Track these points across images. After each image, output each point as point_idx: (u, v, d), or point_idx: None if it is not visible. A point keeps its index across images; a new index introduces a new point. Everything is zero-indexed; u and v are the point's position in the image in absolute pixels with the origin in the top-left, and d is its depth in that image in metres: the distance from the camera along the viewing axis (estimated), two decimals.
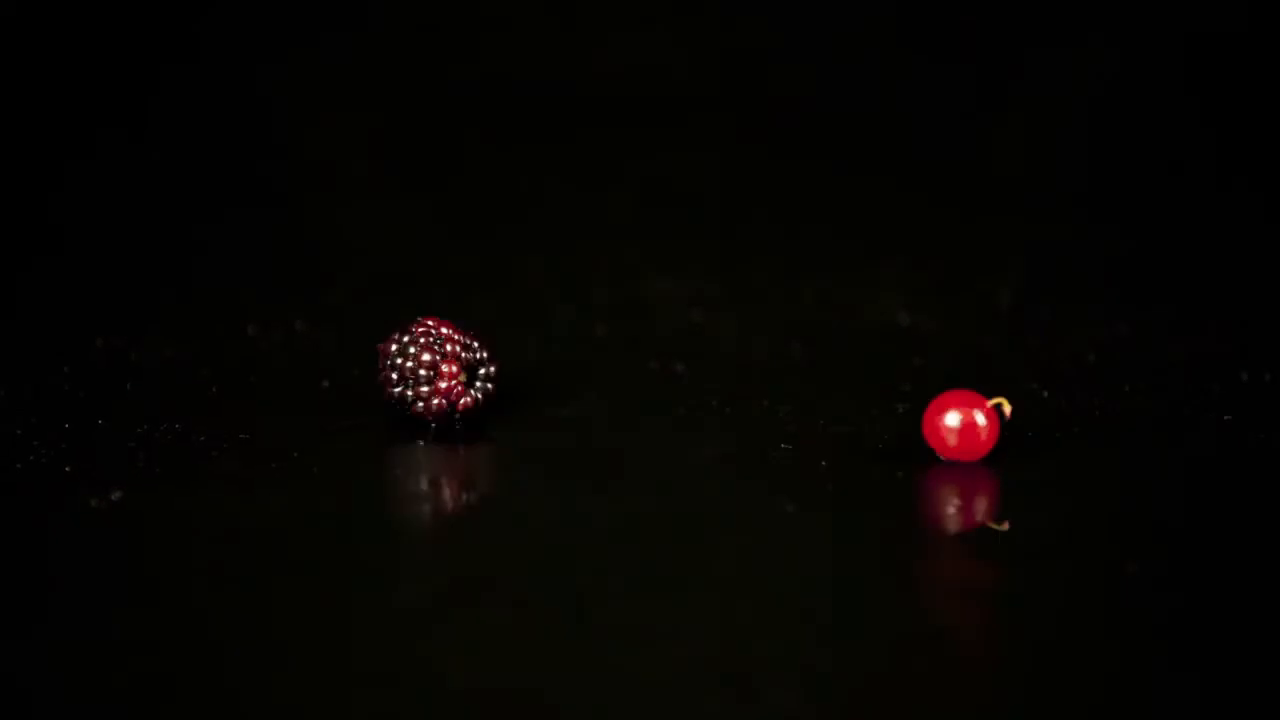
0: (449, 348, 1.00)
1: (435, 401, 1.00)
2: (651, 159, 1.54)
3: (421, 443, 1.00)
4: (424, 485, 0.97)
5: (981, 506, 0.95)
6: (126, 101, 1.56)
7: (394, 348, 1.01)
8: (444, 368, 0.99)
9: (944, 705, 0.76)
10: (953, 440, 0.97)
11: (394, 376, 1.00)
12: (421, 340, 1.00)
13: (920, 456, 0.98)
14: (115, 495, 0.93)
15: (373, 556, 0.89)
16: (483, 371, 1.01)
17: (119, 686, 0.78)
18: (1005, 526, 0.91)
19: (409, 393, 1.00)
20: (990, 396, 0.98)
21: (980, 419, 0.97)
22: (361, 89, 1.60)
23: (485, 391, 1.01)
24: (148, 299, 1.27)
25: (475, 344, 1.01)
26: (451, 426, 1.01)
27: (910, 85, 1.60)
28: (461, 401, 1.00)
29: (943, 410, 0.97)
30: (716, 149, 1.56)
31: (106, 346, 1.16)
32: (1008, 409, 0.98)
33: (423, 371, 1.00)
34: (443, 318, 1.02)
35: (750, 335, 1.20)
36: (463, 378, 1.00)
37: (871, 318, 1.22)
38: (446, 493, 0.96)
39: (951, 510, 0.94)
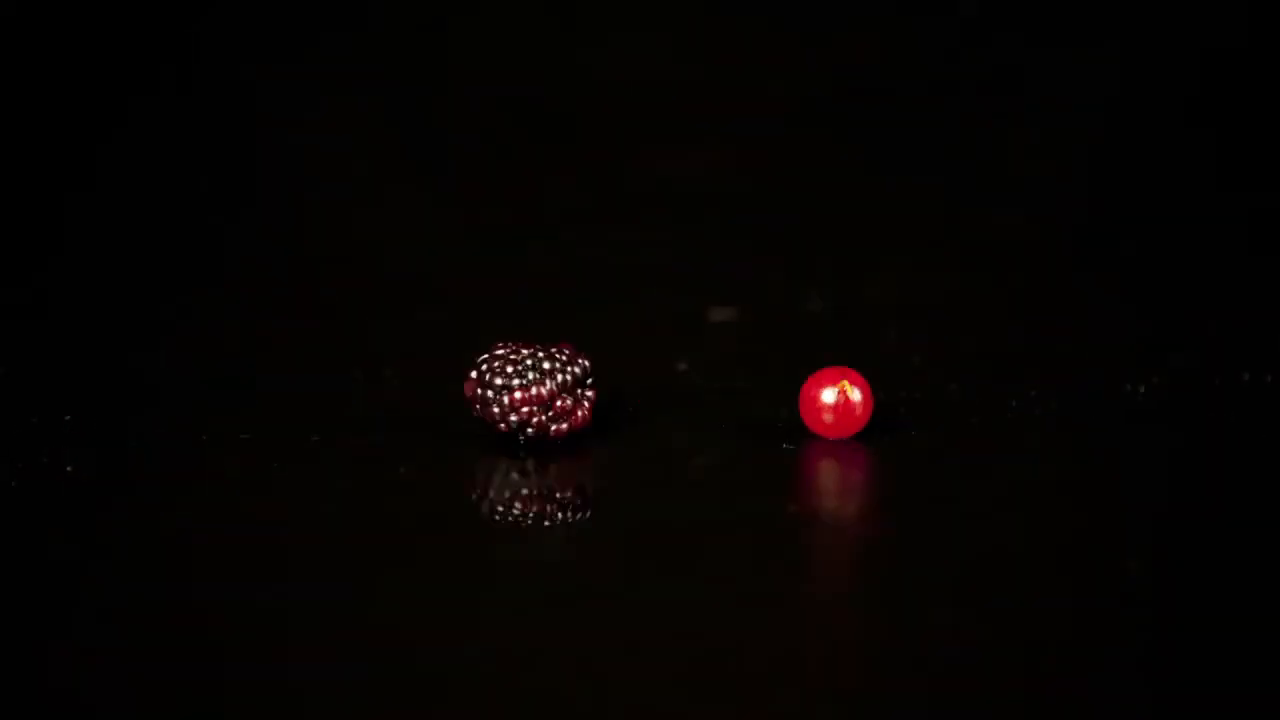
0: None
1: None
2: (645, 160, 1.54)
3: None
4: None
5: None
6: (126, 104, 1.56)
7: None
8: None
9: (933, 709, 0.76)
10: (829, 417, 0.99)
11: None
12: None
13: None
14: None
15: (375, 559, 0.89)
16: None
17: (122, 688, 0.78)
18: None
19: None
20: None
21: (855, 394, 0.98)
22: (363, 89, 1.60)
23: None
24: (149, 301, 1.27)
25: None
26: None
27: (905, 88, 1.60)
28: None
29: (818, 387, 0.99)
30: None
31: (107, 349, 1.16)
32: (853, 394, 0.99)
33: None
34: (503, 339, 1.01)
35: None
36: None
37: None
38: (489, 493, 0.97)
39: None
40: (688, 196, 1.48)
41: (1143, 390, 1.07)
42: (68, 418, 1.02)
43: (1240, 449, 1.00)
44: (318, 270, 1.33)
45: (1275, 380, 1.08)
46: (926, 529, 0.91)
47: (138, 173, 1.50)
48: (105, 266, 1.33)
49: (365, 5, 1.63)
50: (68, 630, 0.81)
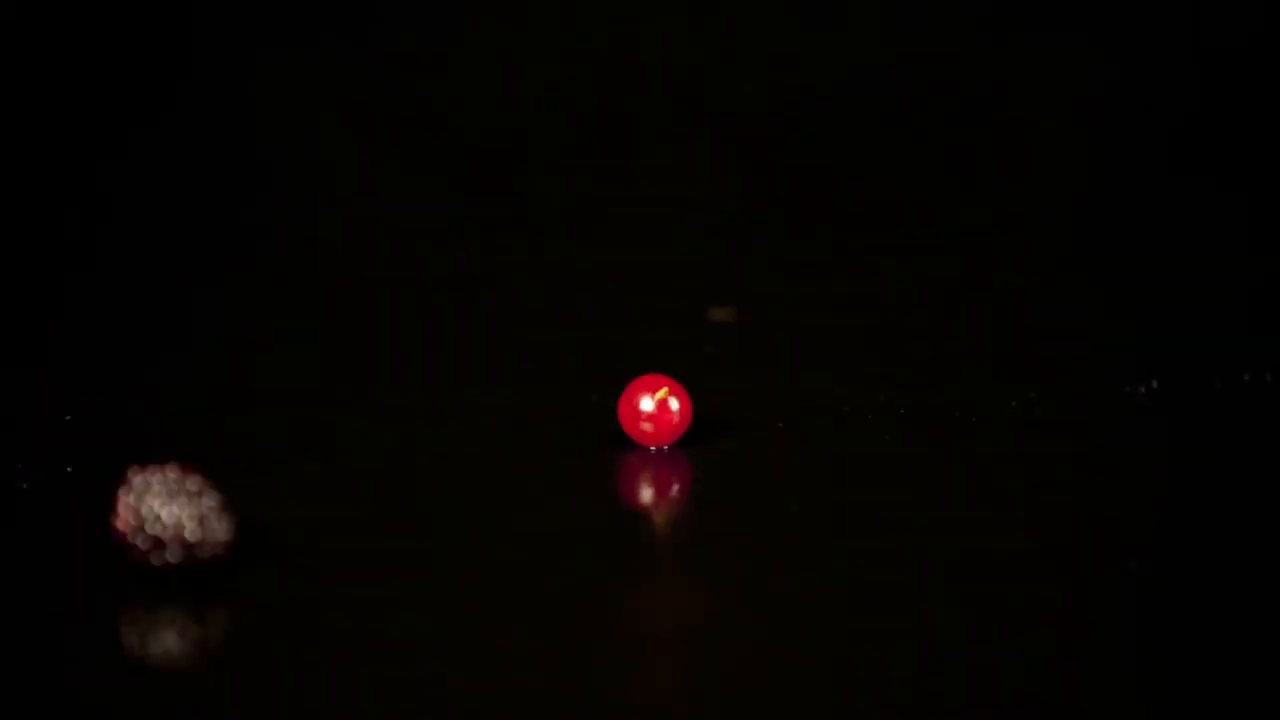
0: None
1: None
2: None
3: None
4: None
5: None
6: (126, 107, 1.56)
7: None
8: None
9: (931, 708, 0.76)
10: (648, 425, 0.98)
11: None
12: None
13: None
14: None
15: (378, 558, 0.89)
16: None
17: (128, 688, 0.78)
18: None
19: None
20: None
21: (673, 403, 0.98)
22: (364, 89, 1.60)
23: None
24: (149, 300, 1.27)
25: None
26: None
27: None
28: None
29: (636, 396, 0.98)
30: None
31: (106, 349, 1.16)
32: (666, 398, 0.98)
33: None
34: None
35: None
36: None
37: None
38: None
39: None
40: (686, 196, 1.48)
41: (1143, 390, 1.07)
42: (68, 418, 1.03)
43: (1240, 449, 1.00)
44: (317, 269, 1.34)
45: (1275, 380, 1.08)
46: (925, 529, 0.91)
47: (138, 173, 1.50)
48: (105, 267, 1.33)
49: (365, 5, 1.63)
50: (68, 631, 0.81)
